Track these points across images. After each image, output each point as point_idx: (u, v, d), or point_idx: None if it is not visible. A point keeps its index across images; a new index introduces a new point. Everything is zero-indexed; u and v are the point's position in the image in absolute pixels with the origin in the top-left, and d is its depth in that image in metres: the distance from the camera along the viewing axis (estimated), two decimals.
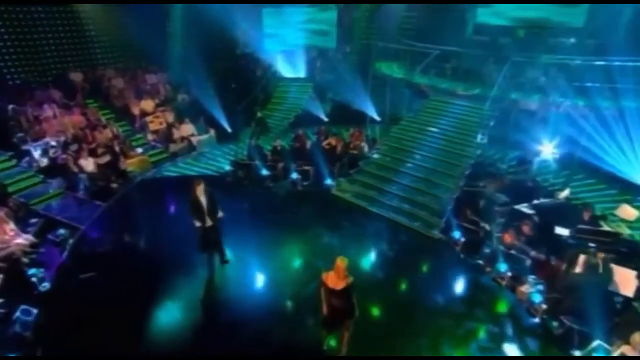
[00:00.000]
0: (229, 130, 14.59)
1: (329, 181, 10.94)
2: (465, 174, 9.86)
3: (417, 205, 9.51)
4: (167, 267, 7.74)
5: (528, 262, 6.93)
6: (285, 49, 16.86)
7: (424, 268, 7.73)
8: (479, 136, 10.24)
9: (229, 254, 7.85)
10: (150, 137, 14.18)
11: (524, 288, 6.41)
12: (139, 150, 13.08)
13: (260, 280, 7.43)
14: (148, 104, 15.10)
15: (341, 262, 4.52)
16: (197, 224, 7.22)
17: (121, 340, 5.99)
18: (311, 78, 16.66)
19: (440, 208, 9.09)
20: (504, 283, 6.87)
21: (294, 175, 11.40)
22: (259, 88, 16.33)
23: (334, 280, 4.61)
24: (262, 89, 16.63)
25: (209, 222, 7.15)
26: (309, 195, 10.51)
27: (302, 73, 17.12)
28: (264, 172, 11.78)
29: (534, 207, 8.28)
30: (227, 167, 12.32)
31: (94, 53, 15.83)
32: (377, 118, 14.23)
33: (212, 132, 14.69)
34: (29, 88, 13.39)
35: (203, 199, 7.10)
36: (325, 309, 4.78)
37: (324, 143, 12.39)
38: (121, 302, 6.74)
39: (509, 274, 6.95)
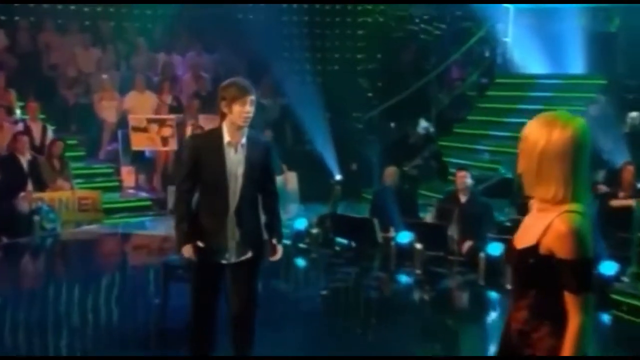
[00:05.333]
0: (336, 174, 15.09)
1: (610, 269, 10.72)
2: None
3: None
4: None
5: None
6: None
7: None
8: None
9: None
10: (127, 180, 14.90)
11: None
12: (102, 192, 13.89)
13: None
14: (142, 101, 15.75)
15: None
16: (188, 248, 6.42)
17: None
18: (605, 75, 16.65)
19: None
20: None
21: (498, 250, 11.32)
22: (436, 83, 17.15)
23: (529, 222, 4.07)
24: (447, 87, 17.34)
25: (234, 249, 6.43)
26: None
27: (571, 65, 17.18)
28: (406, 240, 11.91)
29: None
30: (304, 225, 12.81)
31: None
32: None
33: (290, 176, 15.22)
34: None
35: (235, 156, 6.43)
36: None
37: (617, 202, 12.76)
38: None
39: None
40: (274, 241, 6.54)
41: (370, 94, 18.03)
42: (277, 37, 17.28)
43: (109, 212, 14.19)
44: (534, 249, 3.75)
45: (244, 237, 6.33)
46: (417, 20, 19.72)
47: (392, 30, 19.82)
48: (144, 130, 14.90)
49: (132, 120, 15.02)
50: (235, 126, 6.19)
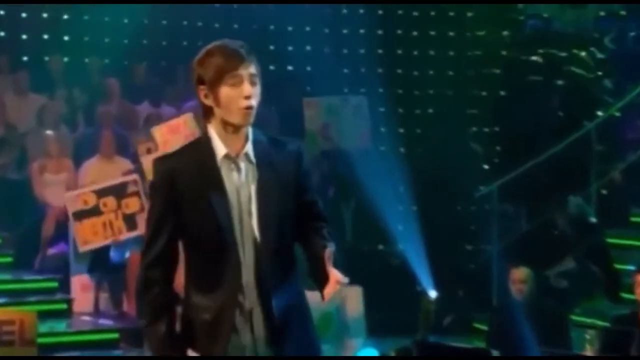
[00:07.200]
0: (429, 289, 15.92)
1: None
2: None
3: None
4: None
5: None
6: None
7: None
8: None
9: None
10: (80, 299, 15.59)
11: None
12: None
13: None
14: (111, 173, 16.21)
15: None
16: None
17: None
18: None
19: None
20: None
21: None
22: (598, 144, 18.12)
23: None
24: (616, 150, 18.96)
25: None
26: None
27: None
28: None
29: None
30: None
31: None
32: None
33: (352, 293, 16.07)
34: None
35: (239, 179, 6.10)
36: None
37: None
38: None
39: None
40: (326, 242, 5.59)
41: (485, 166, 18.65)
42: (331, 79, 17.68)
43: (49, 348, 14.01)
44: None
45: (273, 324, 5.60)
46: (562, 53, 20.09)
47: (522, 69, 20.34)
48: (94, 212, 14.85)
49: (70, 201, 14.97)
50: (230, 126, 5.53)
